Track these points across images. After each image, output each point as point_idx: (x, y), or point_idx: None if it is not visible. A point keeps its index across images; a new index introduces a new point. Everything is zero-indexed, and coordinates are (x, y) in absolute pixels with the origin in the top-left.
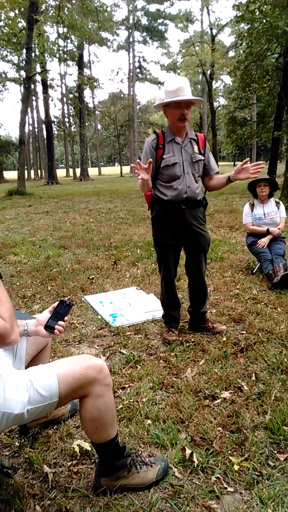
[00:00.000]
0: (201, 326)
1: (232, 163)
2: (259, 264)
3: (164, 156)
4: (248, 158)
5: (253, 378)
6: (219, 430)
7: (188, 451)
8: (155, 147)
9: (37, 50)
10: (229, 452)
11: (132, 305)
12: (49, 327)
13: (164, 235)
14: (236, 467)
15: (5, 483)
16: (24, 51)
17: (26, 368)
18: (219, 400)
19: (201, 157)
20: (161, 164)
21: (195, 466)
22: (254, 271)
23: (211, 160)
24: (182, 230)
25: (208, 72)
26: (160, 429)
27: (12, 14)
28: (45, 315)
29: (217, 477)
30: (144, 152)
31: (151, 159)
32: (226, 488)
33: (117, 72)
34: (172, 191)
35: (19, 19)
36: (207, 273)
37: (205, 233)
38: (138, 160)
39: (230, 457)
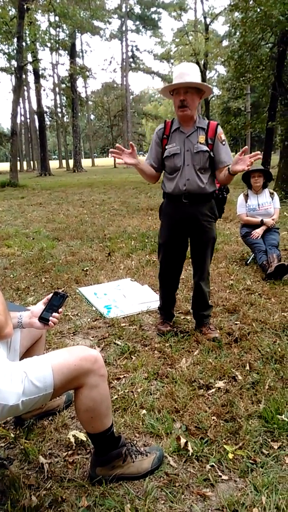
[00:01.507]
0: (198, 328)
1: None
2: (253, 254)
3: (166, 147)
4: (247, 147)
5: (247, 367)
6: (213, 419)
7: (183, 440)
8: (160, 137)
9: (28, 39)
10: (224, 440)
11: (127, 296)
12: (43, 319)
13: (166, 228)
14: (230, 456)
15: (1, 474)
16: (15, 40)
17: (20, 360)
18: (213, 390)
19: (204, 148)
20: (164, 155)
21: (190, 455)
22: (248, 262)
23: (222, 151)
24: (184, 225)
25: (202, 61)
26: (155, 418)
27: (2, 2)
28: (39, 307)
29: (212, 466)
30: (152, 141)
31: (132, 142)
32: (220, 476)
33: (110, 62)
34: (171, 184)
35: (9, 7)
36: None
37: (209, 230)
38: (117, 145)
39: (225, 446)
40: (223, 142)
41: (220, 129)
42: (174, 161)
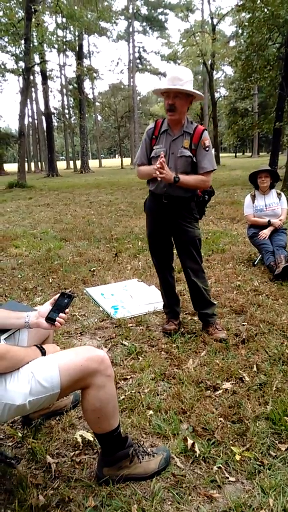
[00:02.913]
0: (205, 329)
1: (234, 154)
2: (260, 255)
3: (154, 147)
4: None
5: (254, 369)
6: (220, 421)
7: (190, 441)
8: (150, 137)
9: (35, 40)
10: (231, 442)
11: (134, 297)
12: (50, 319)
13: (150, 225)
14: (237, 457)
15: (9, 473)
16: (23, 41)
17: None
18: (220, 391)
19: (187, 153)
20: (151, 155)
21: (197, 456)
22: (255, 263)
23: (204, 158)
24: (165, 222)
25: (209, 62)
26: (162, 419)
27: (10, 3)
28: (47, 307)
29: (219, 467)
30: (142, 141)
31: (163, 158)
32: (227, 477)
33: (117, 63)
34: (153, 184)
35: (17, 9)
36: (208, 265)
37: (190, 230)
38: (163, 159)
39: (232, 447)
40: (207, 149)
41: (205, 135)
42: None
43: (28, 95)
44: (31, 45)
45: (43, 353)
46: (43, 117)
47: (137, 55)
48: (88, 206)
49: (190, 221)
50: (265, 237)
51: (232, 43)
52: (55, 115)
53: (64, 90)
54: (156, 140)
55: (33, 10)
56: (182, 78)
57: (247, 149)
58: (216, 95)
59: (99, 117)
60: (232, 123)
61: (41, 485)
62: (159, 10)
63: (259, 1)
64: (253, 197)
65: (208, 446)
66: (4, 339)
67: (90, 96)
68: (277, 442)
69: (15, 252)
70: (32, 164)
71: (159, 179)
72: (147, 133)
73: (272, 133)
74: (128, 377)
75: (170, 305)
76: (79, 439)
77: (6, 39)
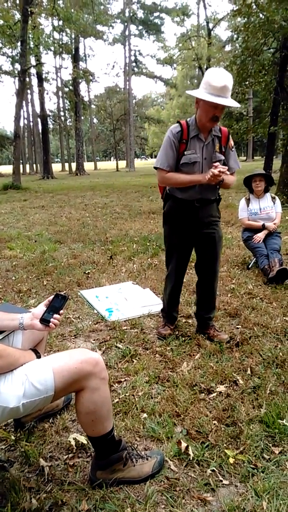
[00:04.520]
0: (204, 332)
1: None
2: (254, 259)
3: (185, 153)
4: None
5: (249, 372)
6: (214, 424)
7: (183, 444)
8: (179, 140)
9: (32, 42)
10: (225, 445)
11: (128, 299)
12: (44, 321)
13: (175, 233)
14: (231, 460)
15: (1, 477)
16: (19, 43)
17: None
18: (214, 394)
19: (222, 157)
20: (181, 161)
21: (191, 459)
22: (249, 266)
23: (231, 158)
24: (194, 227)
25: (205, 66)
26: (156, 422)
27: (6, 5)
28: (41, 309)
29: (213, 470)
30: (165, 144)
31: (219, 164)
32: (221, 481)
33: (113, 66)
34: (186, 191)
35: (13, 11)
36: None
37: (218, 230)
38: (223, 166)
39: (226, 450)
40: (233, 149)
41: (230, 137)
42: (194, 169)
43: (24, 97)
44: (27, 47)
45: (38, 356)
46: (39, 119)
47: (133, 58)
48: (83, 208)
49: (217, 222)
50: (260, 241)
51: (227, 48)
52: (51, 117)
53: (60, 93)
54: (186, 145)
55: (29, 12)
56: (230, 87)
57: (242, 153)
58: None
59: (95, 120)
60: (227, 126)
61: (34, 488)
62: (155, 14)
63: (254, 7)
64: (248, 201)
65: (202, 449)
66: None
67: (86, 99)
68: (270, 445)
69: (9, 254)
70: (27, 166)
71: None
72: (174, 136)
73: (267, 137)
74: (122, 380)
75: (171, 311)
76: (73, 442)
77: (2, 41)
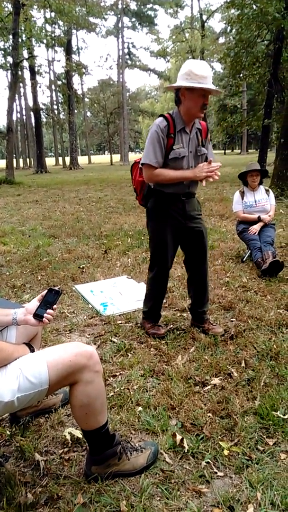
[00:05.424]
0: (198, 325)
1: (223, 151)
2: (249, 252)
3: (174, 147)
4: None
5: (243, 364)
6: (209, 416)
7: (178, 437)
8: (166, 135)
9: (24, 35)
10: (219, 437)
11: (123, 294)
12: (38, 316)
13: (164, 229)
14: (226, 452)
15: None
16: (11, 36)
17: None
18: (209, 387)
19: (205, 151)
20: (170, 156)
21: (186, 451)
22: (244, 259)
23: (209, 151)
24: (182, 221)
25: (198, 58)
26: (151, 415)
27: None
28: (34, 304)
29: (207, 462)
30: (153, 139)
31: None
32: (216, 472)
33: (106, 59)
34: (175, 186)
35: (4, 3)
36: None
37: (203, 223)
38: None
39: (220, 442)
40: (210, 141)
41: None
42: (182, 163)
43: (16, 90)
44: (19, 40)
45: (32, 350)
46: (32, 113)
47: (126, 51)
48: (77, 202)
49: (201, 215)
50: (255, 232)
51: (221, 40)
52: (44, 110)
53: (53, 86)
54: (174, 139)
55: (21, 4)
56: (211, 75)
57: (236, 146)
58: None
59: (88, 113)
60: (221, 120)
61: (29, 483)
62: (149, 6)
63: None
64: (242, 194)
65: (196, 442)
66: None
67: (79, 92)
68: (265, 436)
69: (3, 249)
70: (21, 160)
71: (203, 183)
72: (162, 131)
73: (261, 130)
74: (117, 373)
75: (157, 310)
76: (68, 437)
77: None
